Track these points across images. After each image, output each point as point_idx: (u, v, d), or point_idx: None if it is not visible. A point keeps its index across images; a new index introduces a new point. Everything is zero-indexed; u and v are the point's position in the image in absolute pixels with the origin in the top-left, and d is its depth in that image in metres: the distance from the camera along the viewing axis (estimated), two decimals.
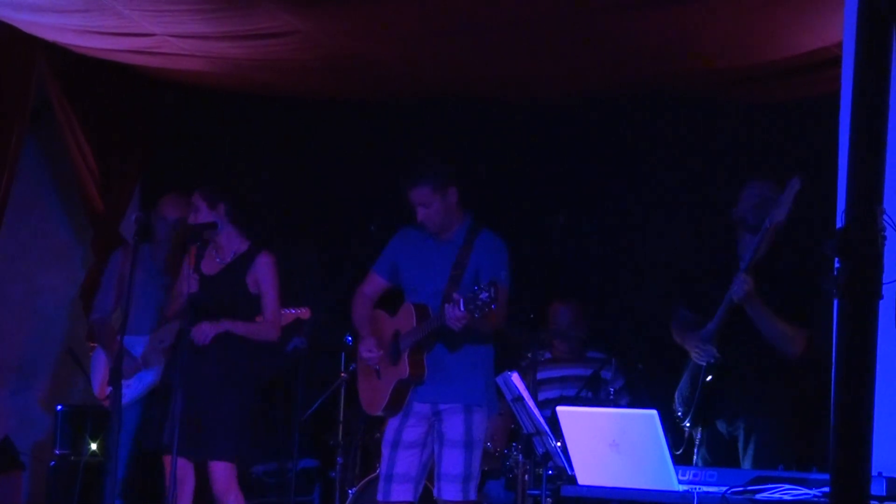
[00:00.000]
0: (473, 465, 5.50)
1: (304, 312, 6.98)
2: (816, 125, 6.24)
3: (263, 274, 6.06)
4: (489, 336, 5.60)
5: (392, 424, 5.64)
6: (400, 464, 5.56)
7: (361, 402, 5.85)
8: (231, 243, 6.15)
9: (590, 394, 6.64)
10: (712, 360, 5.48)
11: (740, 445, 5.51)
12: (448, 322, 5.29)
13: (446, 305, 5.30)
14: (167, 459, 5.92)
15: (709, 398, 5.55)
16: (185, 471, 5.98)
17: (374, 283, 5.83)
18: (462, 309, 5.20)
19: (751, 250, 5.33)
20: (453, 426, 5.51)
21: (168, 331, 6.58)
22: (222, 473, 5.96)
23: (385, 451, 5.63)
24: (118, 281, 6.71)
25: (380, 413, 5.68)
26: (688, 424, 5.58)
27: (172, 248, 6.71)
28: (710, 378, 5.50)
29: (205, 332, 5.93)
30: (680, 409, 5.73)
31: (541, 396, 6.50)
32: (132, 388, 6.54)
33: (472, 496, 5.52)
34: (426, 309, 5.53)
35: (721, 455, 5.55)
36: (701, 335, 5.53)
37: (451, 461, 5.48)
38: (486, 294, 5.15)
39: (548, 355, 7.01)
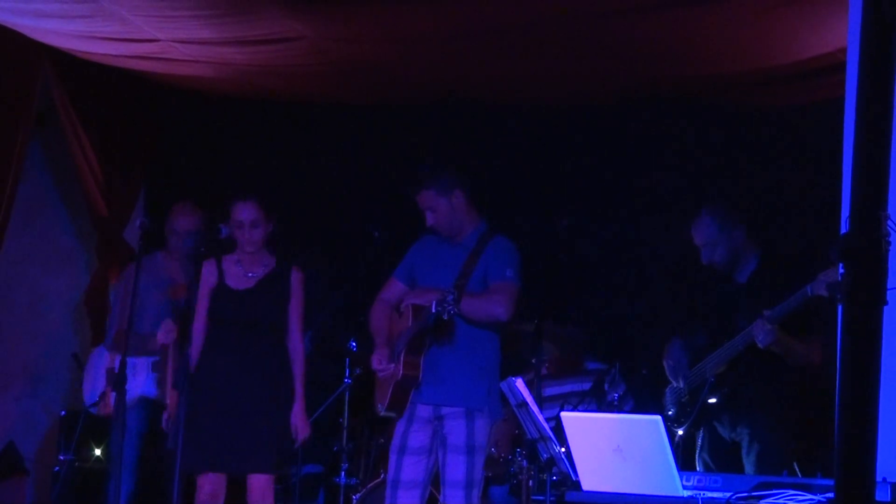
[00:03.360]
0: (476, 471, 5.52)
1: None
2: (820, 130, 6.24)
3: (297, 291, 6.08)
4: (492, 330, 5.63)
5: (399, 429, 5.68)
6: (406, 470, 5.59)
7: (375, 399, 5.91)
8: (261, 258, 6.14)
9: (593, 405, 6.62)
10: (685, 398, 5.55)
11: (743, 450, 5.51)
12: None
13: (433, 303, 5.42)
14: (201, 478, 5.93)
15: (708, 409, 5.57)
16: (218, 485, 5.97)
17: (394, 289, 5.89)
18: (433, 310, 5.34)
19: (779, 308, 5.24)
20: (455, 431, 5.53)
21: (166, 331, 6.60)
22: (261, 486, 5.96)
23: (392, 457, 5.67)
24: (127, 296, 6.73)
25: (383, 412, 5.74)
26: (681, 432, 5.59)
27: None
28: (713, 400, 5.51)
29: (302, 428, 6.03)
30: (672, 408, 5.73)
31: (544, 414, 6.49)
32: (129, 392, 6.54)
33: (476, 501, 5.53)
34: (423, 310, 5.57)
35: (723, 459, 5.56)
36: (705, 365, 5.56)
37: (454, 467, 5.50)
38: (452, 296, 5.29)
39: (546, 369, 6.99)
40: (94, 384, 6.83)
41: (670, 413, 5.72)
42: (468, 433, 5.52)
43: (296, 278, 6.11)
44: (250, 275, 6.10)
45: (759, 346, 5.27)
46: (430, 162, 5.91)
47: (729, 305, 5.61)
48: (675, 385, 5.78)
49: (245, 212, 6.04)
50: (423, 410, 5.61)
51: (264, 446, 5.93)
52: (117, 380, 6.00)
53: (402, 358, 5.57)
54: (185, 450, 5.76)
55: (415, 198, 5.71)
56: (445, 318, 5.36)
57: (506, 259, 5.64)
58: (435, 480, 5.78)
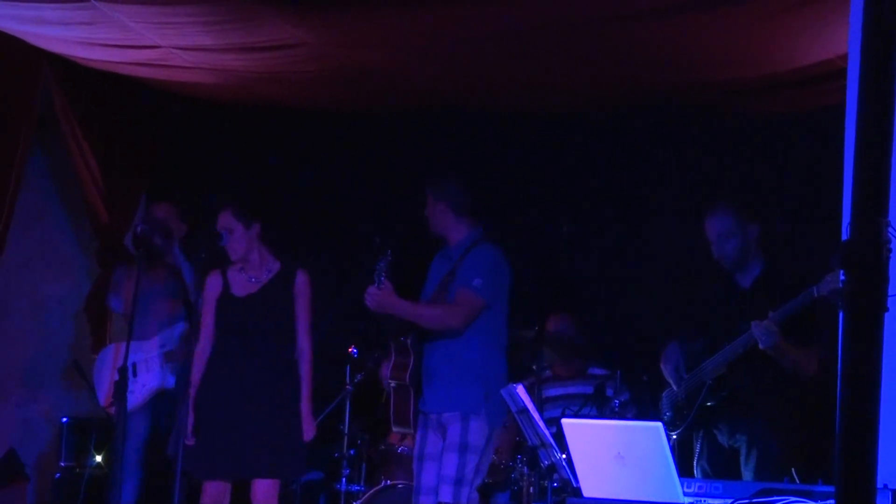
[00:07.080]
0: (466, 470, 5.62)
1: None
2: (821, 136, 6.24)
3: (303, 293, 6.07)
4: (475, 332, 5.72)
5: (418, 436, 5.84)
6: (426, 476, 5.75)
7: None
8: (265, 263, 6.13)
9: (594, 410, 6.62)
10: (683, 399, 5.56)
11: (742, 458, 5.51)
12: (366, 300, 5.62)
13: None
14: (206, 483, 5.97)
15: (706, 413, 5.57)
16: (222, 491, 5.98)
17: None
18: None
19: (784, 309, 5.23)
20: (452, 431, 5.69)
21: (169, 336, 6.62)
22: (265, 490, 5.96)
23: (414, 464, 5.86)
24: (123, 294, 6.78)
25: (393, 428, 5.93)
26: (674, 436, 5.60)
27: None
28: (710, 404, 5.52)
29: (307, 430, 6.04)
30: (668, 412, 5.74)
31: (544, 415, 6.50)
32: (136, 395, 6.54)
33: (464, 500, 5.58)
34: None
35: (721, 466, 5.56)
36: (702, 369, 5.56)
37: (446, 463, 5.64)
38: (383, 262, 5.54)
39: (548, 373, 7.00)
40: (107, 384, 6.85)
41: (667, 416, 5.73)
42: (462, 432, 5.66)
43: (301, 280, 6.10)
44: (253, 280, 6.10)
45: (760, 346, 5.27)
46: (437, 168, 6.08)
47: (732, 310, 5.61)
48: (672, 389, 5.78)
49: (220, 220, 6.06)
50: (432, 416, 5.78)
51: (268, 451, 5.94)
52: (118, 387, 6.02)
53: (392, 361, 5.74)
54: (193, 456, 5.79)
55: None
56: (376, 283, 5.53)
57: (478, 267, 5.72)
58: None
